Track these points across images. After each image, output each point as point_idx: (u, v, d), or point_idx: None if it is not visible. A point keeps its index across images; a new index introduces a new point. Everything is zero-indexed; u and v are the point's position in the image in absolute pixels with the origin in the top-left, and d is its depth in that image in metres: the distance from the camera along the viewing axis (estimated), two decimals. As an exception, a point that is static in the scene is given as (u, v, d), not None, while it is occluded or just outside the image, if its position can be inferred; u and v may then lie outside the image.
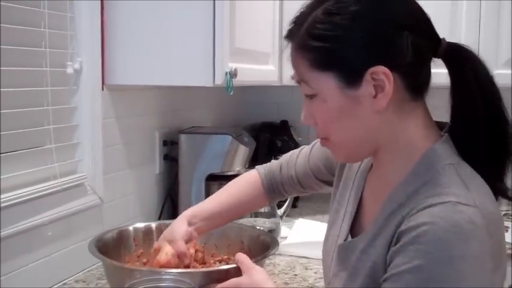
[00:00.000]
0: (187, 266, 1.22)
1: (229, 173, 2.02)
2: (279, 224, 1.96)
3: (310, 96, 0.94)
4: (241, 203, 1.33)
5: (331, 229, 1.10)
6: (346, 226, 1.04)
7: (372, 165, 1.03)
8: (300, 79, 0.94)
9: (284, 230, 2.00)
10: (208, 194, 1.94)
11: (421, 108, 0.95)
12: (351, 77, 0.89)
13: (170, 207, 2.14)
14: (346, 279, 0.96)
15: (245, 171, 1.49)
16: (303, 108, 0.97)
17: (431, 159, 0.91)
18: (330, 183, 1.22)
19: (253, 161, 2.17)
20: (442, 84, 0.94)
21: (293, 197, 2.09)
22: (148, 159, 2.03)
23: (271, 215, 1.96)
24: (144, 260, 1.38)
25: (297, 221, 2.12)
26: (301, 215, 2.27)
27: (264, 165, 1.37)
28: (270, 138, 2.64)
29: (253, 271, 1.08)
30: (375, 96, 0.89)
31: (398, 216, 0.88)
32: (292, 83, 2.28)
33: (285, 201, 2.06)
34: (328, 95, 0.91)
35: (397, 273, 0.83)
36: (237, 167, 2.06)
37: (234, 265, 1.25)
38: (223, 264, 1.38)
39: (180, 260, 1.21)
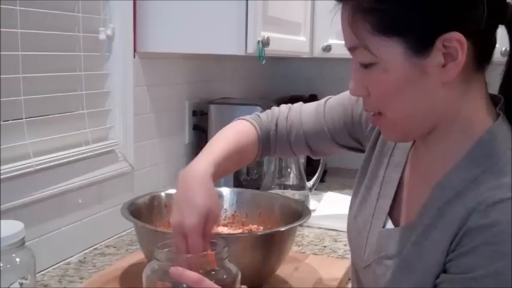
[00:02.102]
0: None
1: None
2: (308, 196, 1.95)
3: (367, 65, 0.84)
4: (242, 150, 1.15)
5: (362, 207, 1.03)
6: (384, 207, 0.97)
7: (413, 142, 0.96)
8: (356, 45, 0.83)
9: (313, 203, 1.99)
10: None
11: (482, 81, 0.86)
12: (421, 43, 0.79)
13: (199, 177, 2.14)
14: (397, 271, 0.89)
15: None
16: (352, 78, 0.88)
17: (490, 143, 0.83)
18: (350, 148, 1.16)
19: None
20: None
21: (322, 169, 2.08)
22: (177, 129, 2.03)
23: (301, 187, 1.94)
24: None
25: (325, 194, 2.11)
26: (329, 189, 2.25)
27: (253, 115, 1.22)
28: (298, 112, 2.62)
29: None
30: (443, 66, 0.80)
31: (460, 208, 0.80)
32: (323, 55, 2.29)
33: (314, 174, 2.04)
34: (392, 64, 0.81)
35: (474, 277, 0.76)
36: (265, 139, 2.05)
37: (267, 231, 1.26)
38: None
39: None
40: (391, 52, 0.81)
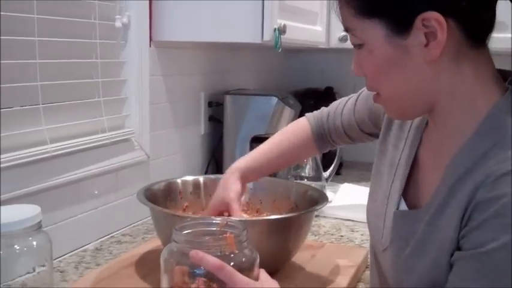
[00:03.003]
0: None
1: (274, 136, 2.00)
2: (325, 187, 1.93)
3: (358, 46, 0.87)
4: (291, 150, 1.29)
5: (379, 190, 1.03)
6: (398, 189, 0.97)
7: (427, 122, 0.95)
8: (346, 28, 0.88)
9: (329, 195, 1.97)
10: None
11: (482, 56, 0.85)
12: (400, 24, 0.81)
13: (214, 168, 2.14)
14: (412, 253, 0.88)
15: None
16: (353, 59, 0.91)
17: (498, 116, 0.82)
18: (375, 136, 1.16)
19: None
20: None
21: (338, 161, 2.06)
22: (193, 120, 2.03)
23: (317, 178, 1.93)
24: (190, 213, 1.38)
25: (342, 186, 2.09)
26: (346, 181, 2.24)
27: (314, 112, 1.32)
28: (314, 105, 2.60)
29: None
30: (426, 45, 0.81)
31: (469, 184, 0.79)
32: (340, 45, 2.27)
33: (330, 166, 2.03)
34: (375, 45, 0.84)
35: (485, 251, 0.75)
36: (282, 130, 2.04)
37: (283, 215, 1.25)
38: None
39: None
40: (374, 34, 0.84)
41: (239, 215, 1.21)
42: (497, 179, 0.77)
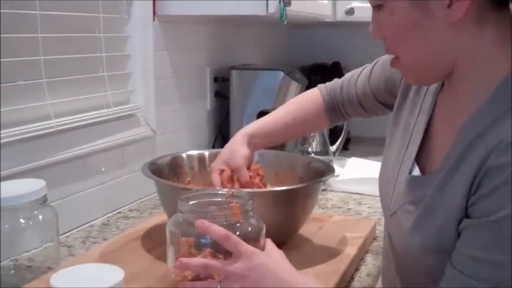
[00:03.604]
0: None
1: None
2: (332, 161, 1.92)
3: (378, 7, 0.85)
4: (302, 120, 1.27)
5: (392, 156, 1.02)
6: (411, 154, 0.96)
7: (443, 85, 0.94)
8: None
9: (336, 169, 1.96)
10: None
11: (504, 20, 0.82)
12: None
13: (221, 144, 2.12)
14: (419, 217, 0.88)
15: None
16: (371, 21, 0.89)
17: None
18: (389, 107, 1.15)
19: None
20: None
21: (345, 136, 2.05)
22: (199, 96, 2.02)
23: (324, 152, 1.92)
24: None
25: (349, 160, 2.08)
26: (353, 156, 2.22)
27: (327, 83, 1.29)
28: (321, 80, 2.57)
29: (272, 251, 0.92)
30: (449, 6, 0.79)
31: (481, 149, 0.78)
32: (346, 19, 2.24)
33: (337, 139, 2.02)
34: (396, 6, 0.82)
35: (495, 220, 0.74)
36: (288, 104, 2.02)
37: (290, 187, 1.23)
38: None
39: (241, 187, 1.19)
40: None
41: (248, 181, 1.20)
42: (508, 145, 0.75)
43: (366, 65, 1.23)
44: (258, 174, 1.26)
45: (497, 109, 0.79)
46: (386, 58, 1.14)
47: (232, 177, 1.22)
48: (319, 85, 1.30)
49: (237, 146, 1.23)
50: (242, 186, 1.21)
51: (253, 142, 1.24)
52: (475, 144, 0.80)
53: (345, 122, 1.32)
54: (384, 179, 1.05)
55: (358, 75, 1.23)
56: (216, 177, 1.21)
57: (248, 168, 1.24)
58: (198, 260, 0.88)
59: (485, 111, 0.81)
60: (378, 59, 1.19)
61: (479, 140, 0.79)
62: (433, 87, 0.96)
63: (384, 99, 1.18)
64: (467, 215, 0.80)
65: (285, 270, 0.88)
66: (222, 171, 1.22)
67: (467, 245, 0.78)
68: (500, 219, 0.74)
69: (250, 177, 1.25)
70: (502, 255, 0.74)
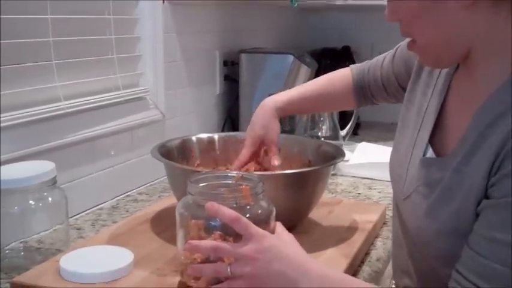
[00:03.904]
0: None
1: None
2: (342, 146, 1.91)
3: None
4: (330, 98, 1.28)
5: (404, 139, 1.01)
6: (424, 136, 0.95)
7: (457, 66, 0.93)
8: None
9: (346, 154, 1.95)
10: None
11: None
12: None
13: (230, 127, 2.12)
14: (436, 200, 0.87)
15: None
16: (387, 4, 0.88)
17: None
18: None
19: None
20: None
21: (355, 120, 2.03)
22: (208, 79, 2.01)
23: (334, 137, 1.91)
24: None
25: (359, 144, 2.07)
26: (363, 141, 2.21)
27: (358, 64, 1.30)
28: (331, 64, 2.57)
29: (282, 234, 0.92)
30: None
31: (502, 130, 0.77)
32: (357, 2, 2.22)
33: (347, 123, 2.01)
34: None
35: None
36: (298, 88, 2.01)
37: (299, 170, 1.22)
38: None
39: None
40: None
41: (277, 159, 1.23)
42: None
43: (398, 45, 1.22)
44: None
45: None
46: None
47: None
48: (351, 65, 1.30)
49: (270, 121, 1.24)
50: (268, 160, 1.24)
51: (282, 110, 1.26)
52: (494, 126, 0.79)
53: (371, 105, 1.31)
54: (395, 163, 1.04)
55: (385, 58, 1.23)
56: (246, 154, 1.24)
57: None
58: (207, 243, 0.87)
59: (504, 91, 0.80)
60: (402, 42, 1.17)
61: (500, 121, 0.78)
62: (447, 68, 0.95)
63: (403, 83, 1.16)
64: (486, 196, 0.79)
65: (295, 252, 0.87)
66: (254, 147, 1.24)
67: (485, 226, 0.77)
68: None
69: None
70: None
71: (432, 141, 0.94)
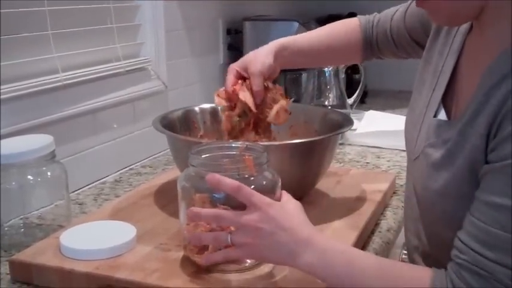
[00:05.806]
0: (256, 107, 1.14)
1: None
2: (349, 115, 1.87)
3: None
4: (337, 47, 1.22)
5: (419, 99, 0.98)
6: (437, 97, 0.92)
7: (472, 26, 0.89)
8: None
9: (354, 122, 1.91)
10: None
11: None
12: None
13: (235, 98, 2.07)
14: (440, 161, 0.85)
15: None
16: None
17: None
18: (422, 47, 1.08)
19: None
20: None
21: (363, 88, 1.98)
22: (211, 49, 1.96)
23: (341, 106, 1.87)
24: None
25: (367, 113, 2.02)
26: (371, 109, 2.17)
27: (366, 15, 1.24)
28: (337, 32, 2.51)
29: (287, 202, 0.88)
30: None
31: (503, 90, 0.74)
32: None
33: (354, 92, 1.96)
34: None
35: None
36: (304, 56, 1.96)
37: (306, 139, 1.18)
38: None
39: (252, 97, 1.13)
40: None
41: (260, 90, 1.13)
42: None
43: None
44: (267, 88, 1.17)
45: None
46: None
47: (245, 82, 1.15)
48: (359, 15, 1.25)
49: (263, 52, 1.16)
50: (253, 95, 1.13)
51: (281, 55, 1.17)
52: (498, 86, 0.75)
53: (376, 59, 1.25)
54: (410, 122, 1.01)
55: (396, 10, 1.18)
56: (230, 78, 1.16)
57: (267, 88, 1.16)
58: (209, 211, 0.85)
59: (510, 53, 0.76)
60: None
61: (503, 82, 0.75)
62: (463, 27, 0.91)
63: (418, 38, 1.13)
64: (487, 162, 0.76)
65: (299, 223, 0.84)
66: (238, 73, 1.16)
67: (485, 191, 0.75)
68: None
69: (267, 89, 1.16)
70: None
71: (445, 102, 0.91)
